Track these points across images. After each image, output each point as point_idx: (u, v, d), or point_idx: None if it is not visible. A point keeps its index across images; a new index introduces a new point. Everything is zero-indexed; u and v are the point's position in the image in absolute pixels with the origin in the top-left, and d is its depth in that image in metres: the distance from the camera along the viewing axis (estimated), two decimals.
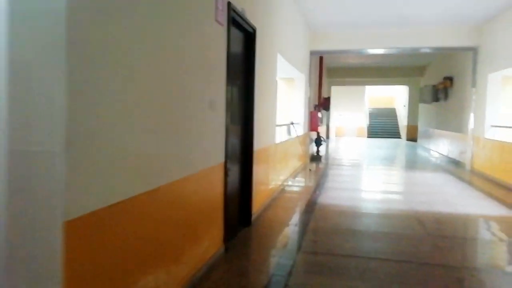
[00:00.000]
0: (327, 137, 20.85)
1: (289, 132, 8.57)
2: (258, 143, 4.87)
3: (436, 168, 10.18)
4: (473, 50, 9.42)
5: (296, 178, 7.91)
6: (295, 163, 8.43)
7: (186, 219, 2.81)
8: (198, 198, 3.02)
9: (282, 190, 6.41)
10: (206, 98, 3.16)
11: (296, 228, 4.44)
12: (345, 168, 10.02)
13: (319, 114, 11.26)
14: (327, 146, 17.24)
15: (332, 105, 23.33)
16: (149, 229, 2.26)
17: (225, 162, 3.57)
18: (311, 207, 5.38)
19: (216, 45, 3.39)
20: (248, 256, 3.67)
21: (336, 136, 26.85)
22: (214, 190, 3.39)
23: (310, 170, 8.75)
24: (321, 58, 11.73)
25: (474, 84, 9.41)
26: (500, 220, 4.88)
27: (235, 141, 4.15)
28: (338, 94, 23.31)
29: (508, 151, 7.43)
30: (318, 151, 11.85)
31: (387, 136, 23.76)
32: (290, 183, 7.32)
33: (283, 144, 7.19)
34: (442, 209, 5.37)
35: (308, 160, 10.54)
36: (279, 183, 6.53)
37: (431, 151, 14.49)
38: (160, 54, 2.35)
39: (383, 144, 18.89)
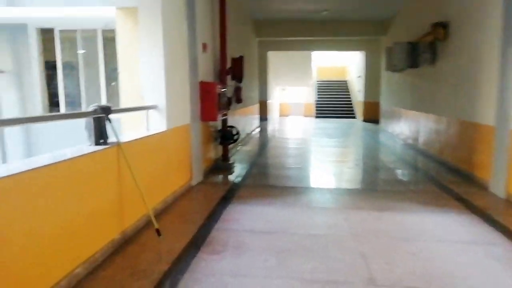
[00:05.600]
0: (263, 119, 15.79)
1: (94, 136, 3.22)
2: None
3: (430, 188, 5.45)
4: None
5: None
6: (100, 222, 3.16)
7: None
8: None
9: None
10: None
11: None
12: (259, 203, 4.90)
13: (221, 89, 6.00)
14: (260, 133, 12.17)
15: (272, 77, 18.29)
16: None
17: None
18: None
19: None
20: None
21: (280, 116, 22.02)
22: None
23: (158, 231, 3.52)
24: None
25: (510, 32, 4.58)
26: None
27: None
28: (278, 62, 18.17)
29: None
30: (226, 156, 6.66)
31: (339, 115, 19.18)
32: None
33: None
34: None
35: (198, 177, 5.34)
36: None
37: (402, 141, 9.88)
38: None
39: (334, 128, 14.18)
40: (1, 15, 6.34)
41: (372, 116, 15.40)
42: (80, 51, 6.95)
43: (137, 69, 4.56)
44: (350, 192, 5.32)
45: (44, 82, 7.03)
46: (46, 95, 7.09)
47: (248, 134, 10.71)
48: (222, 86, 6.05)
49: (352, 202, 4.79)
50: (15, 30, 6.72)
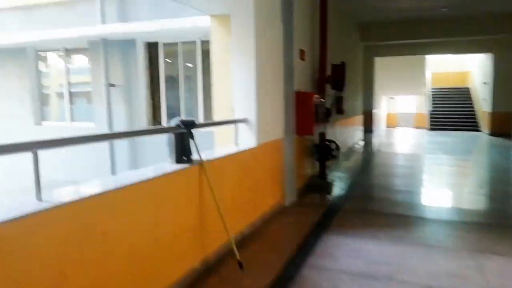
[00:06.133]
0: (368, 130, 14.60)
1: (175, 153, 2.97)
2: None
3: None
4: None
5: None
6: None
7: None
8: None
9: None
10: None
11: None
12: (360, 234, 4.15)
13: (319, 99, 5.43)
14: (364, 147, 11.21)
15: (379, 85, 16.94)
16: None
17: None
18: None
19: None
20: None
21: (387, 127, 20.35)
22: None
23: (240, 264, 3.09)
24: None
25: None
26: None
27: None
28: (386, 68, 16.79)
29: None
30: (323, 174, 6.03)
31: (459, 127, 16.79)
32: None
33: None
34: None
35: (291, 197, 4.86)
36: None
37: None
38: None
39: (453, 143, 12.33)
40: (113, 31, 6.87)
41: (503, 129, 13.01)
42: (181, 63, 7.15)
43: (230, 79, 4.30)
44: (479, 227, 4.22)
45: (149, 95, 7.41)
46: (150, 108, 7.46)
47: (350, 148, 9.87)
48: (320, 96, 5.49)
49: (484, 242, 3.73)
50: (126, 45, 7.24)
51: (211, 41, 4.49)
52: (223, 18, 4.27)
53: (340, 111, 7.56)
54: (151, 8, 6.81)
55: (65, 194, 2.00)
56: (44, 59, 8.65)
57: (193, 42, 6.79)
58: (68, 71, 8.38)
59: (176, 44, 7.01)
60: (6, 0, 8.10)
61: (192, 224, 2.94)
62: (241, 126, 3.98)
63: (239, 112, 4.00)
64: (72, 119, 8.35)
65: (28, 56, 8.38)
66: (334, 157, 6.28)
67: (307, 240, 3.72)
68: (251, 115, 3.97)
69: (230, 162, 3.56)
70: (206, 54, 6.69)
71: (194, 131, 2.98)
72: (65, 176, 7.51)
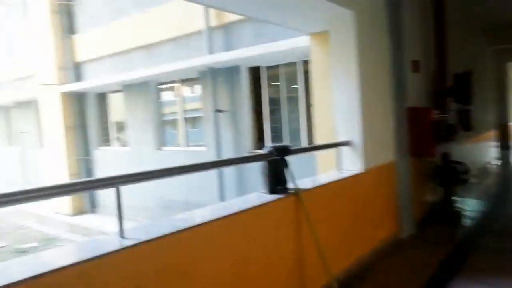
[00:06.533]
0: (505, 147, 12.33)
1: (268, 182, 2.74)
2: None
3: None
4: None
5: None
6: None
7: None
8: None
9: None
10: None
11: None
12: (507, 285, 3.27)
13: (439, 114, 4.65)
14: (502, 168, 9.50)
15: None
16: None
17: None
18: None
19: None
20: None
21: None
22: None
23: None
24: None
25: None
26: None
27: None
28: None
29: None
30: (449, 202, 5.11)
31: None
32: None
33: None
34: None
35: (408, 228, 4.19)
36: None
37: None
38: None
39: None
40: (219, 60, 7.21)
41: None
42: (283, 85, 7.09)
43: (331, 99, 3.95)
44: None
45: (253, 118, 7.51)
46: (255, 131, 7.53)
47: (483, 170, 8.37)
48: (440, 112, 4.71)
49: None
50: (231, 72, 7.52)
51: (310, 60, 4.24)
52: (322, 36, 3.99)
53: (467, 127, 6.48)
54: (252, 34, 6.96)
55: (150, 230, 1.92)
56: (163, 90, 9.56)
57: (294, 63, 6.65)
58: (183, 100, 9.08)
59: (277, 66, 6.99)
60: (131, 41, 9.29)
61: (287, 262, 2.64)
62: (344, 149, 3.57)
63: (342, 134, 3.61)
64: (188, 144, 8.95)
65: (150, 89, 9.37)
66: (463, 181, 5.30)
67: (431, 285, 3.06)
68: (356, 137, 3.54)
69: (332, 190, 3.18)
70: (307, 74, 6.48)
71: (290, 157, 2.74)
72: (183, 197, 8.11)
